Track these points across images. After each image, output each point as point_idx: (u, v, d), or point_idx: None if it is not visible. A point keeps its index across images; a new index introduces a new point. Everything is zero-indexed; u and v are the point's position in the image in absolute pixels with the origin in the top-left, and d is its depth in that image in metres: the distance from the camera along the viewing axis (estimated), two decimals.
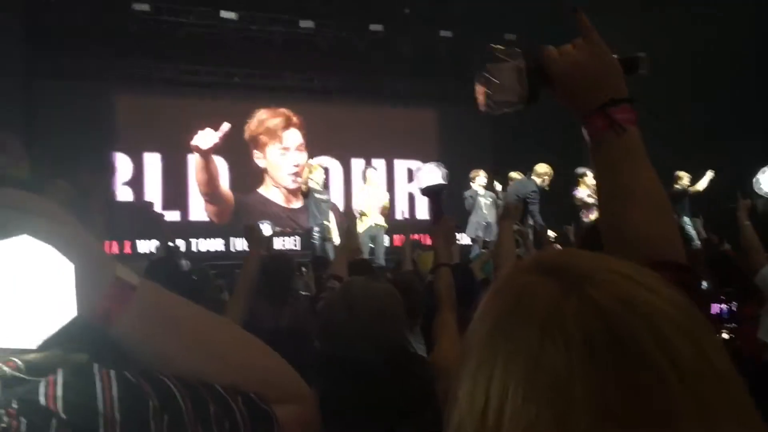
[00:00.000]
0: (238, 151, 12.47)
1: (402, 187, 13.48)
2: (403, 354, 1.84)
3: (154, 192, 12.08)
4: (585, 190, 9.56)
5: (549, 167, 9.16)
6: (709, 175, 9.97)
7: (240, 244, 11.59)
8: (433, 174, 3.57)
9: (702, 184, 10.01)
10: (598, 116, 1.12)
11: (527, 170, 9.87)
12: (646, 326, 0.57)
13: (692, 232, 9.50)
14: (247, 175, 12.64)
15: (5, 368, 0.81)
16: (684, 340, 0.57)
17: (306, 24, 12.28)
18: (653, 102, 9.18)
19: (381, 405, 1.72)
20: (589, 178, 9.28)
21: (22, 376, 0.82)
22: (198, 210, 12.38)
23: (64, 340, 0.82)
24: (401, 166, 13.59)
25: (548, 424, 0.55)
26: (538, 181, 9.06)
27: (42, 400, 0.82)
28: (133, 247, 10.92)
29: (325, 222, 9.22)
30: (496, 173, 10.29)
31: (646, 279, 0.61)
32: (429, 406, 1.73)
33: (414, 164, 12.95)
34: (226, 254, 11.49)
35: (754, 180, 4.52)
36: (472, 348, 0.64)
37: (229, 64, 12.32)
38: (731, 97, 9.78)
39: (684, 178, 9.97)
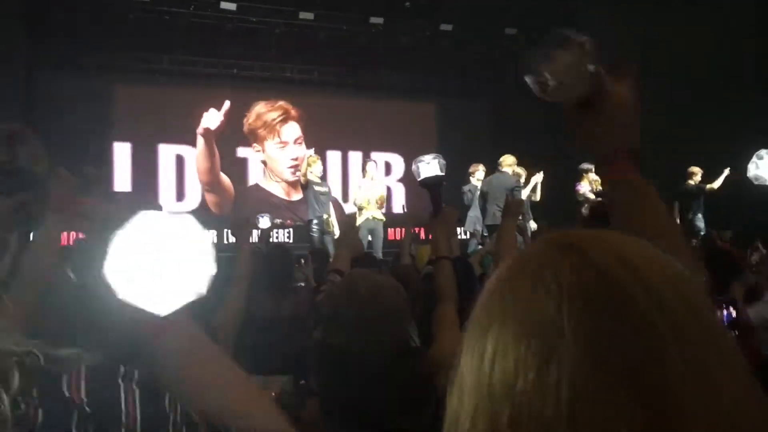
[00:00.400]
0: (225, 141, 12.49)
1: (399, 180, 13.48)
2: (405, 349, 1.84)
3: (146, 183, 12.11)
4: (587, 185, 9.58)
5: (514, 158, 9.16)
6: (726, 173, 9.80)
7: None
8: (431, 166, 3.55)
9: (717, 183, 9.90)
10: (626, 160, 1.13)
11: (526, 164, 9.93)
12: (642, 284, 0.58)
13: (701, 226, 9.57)
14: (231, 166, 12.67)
15: (26, 359, 0.84)
16: (679, 300, 0.58)
17: (305, 16, 12.25)
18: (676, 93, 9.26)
19: (382, 400, 1.71)
20: (593, 174, 9.29)
21: (44, 366, 0.85)
22: (194, 200, 12.41)
23: (81, 340, 0.86)
24: (398, 159, 13.59)
25: (535, 357, 0.57)
26: (510, 172, 9.06)
27: (66, 391, 0.85)
28: None
29: (324, 215, 9.21)
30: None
31: (645, 246, 0.63)
32: (429, 402, 1.74)
33: (413, 157, 12.95)
34: (219, 246, 11.47)
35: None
36: (474, 313, 0.66)
37: (228, 56, 12.31)
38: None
39: (697, 173, 9.91)
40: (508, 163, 9.08)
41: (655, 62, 9.27)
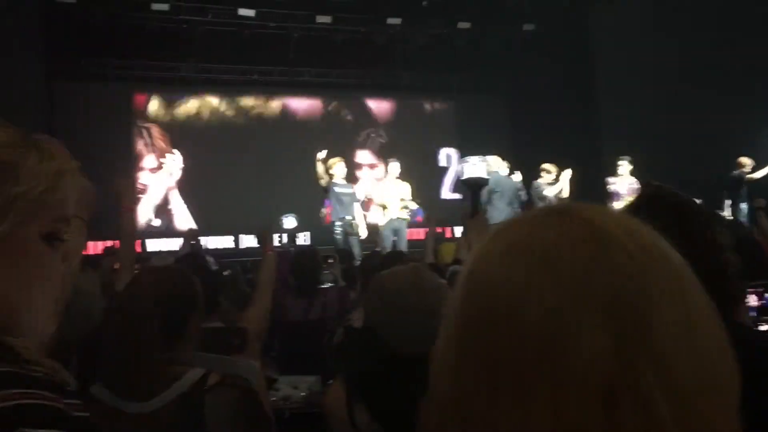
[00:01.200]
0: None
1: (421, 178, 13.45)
2: None
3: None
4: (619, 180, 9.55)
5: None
6: None
7: (247, 240, 11.80)
8: (477, 167, 3.60)
9: (761, 173, 9.70)
10: None
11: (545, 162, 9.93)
12: (633, 239, 0.61)
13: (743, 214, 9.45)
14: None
15: None
16: (665, 262, 0.61)
17: (323, 19, 12.28)
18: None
19: (420, 395, 1.72)
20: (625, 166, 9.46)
21: None
22: None
23: None
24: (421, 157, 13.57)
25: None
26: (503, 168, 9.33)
27: None
28: (143, 244, 11.23)
29: (348, 217, 9.17)
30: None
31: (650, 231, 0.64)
32: None
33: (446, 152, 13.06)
34: (235, 251, 11.60)
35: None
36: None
37: (246, 62, 12.37)
38: None
39: (747, 165, 9.71)
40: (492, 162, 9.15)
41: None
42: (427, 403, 0.66)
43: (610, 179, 9.68)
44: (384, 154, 12.82)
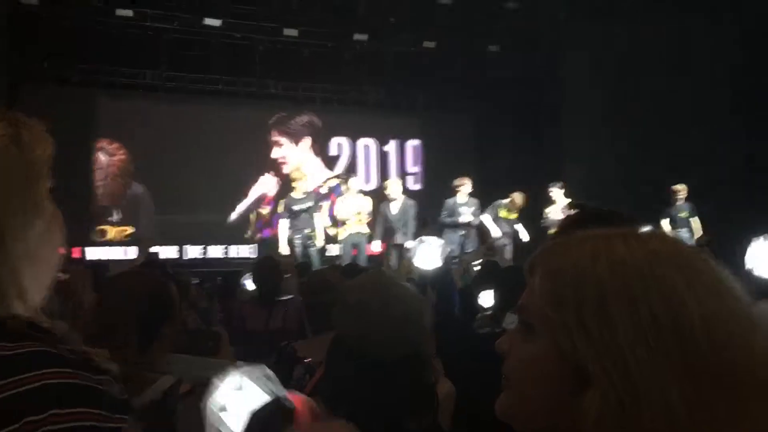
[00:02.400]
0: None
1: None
2: (418, 353, 1.87)
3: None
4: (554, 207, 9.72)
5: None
6: None
7: (192, 251, 11.89)
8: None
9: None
10: None
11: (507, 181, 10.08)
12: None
13: None
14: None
15: None
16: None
17: (290, 32, 12.32)
18: None
19: (391, 397, 1.77)
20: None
21: None
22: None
23: None
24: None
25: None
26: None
27: None
28: (82, 252, 11.10)
29: (307, 230, 9.29)
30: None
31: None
32: (432, 407, 1.83)
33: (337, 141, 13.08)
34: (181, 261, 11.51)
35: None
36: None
37: (212, 71, 12.31)
38: None
39: (679, 191, 9.80)
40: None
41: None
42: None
43: (546, 210, 9.81)
44: (301, 131, 13.12)
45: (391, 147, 13.82)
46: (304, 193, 9.50)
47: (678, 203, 9.76)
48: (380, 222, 9.42)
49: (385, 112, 13.51)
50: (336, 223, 9.75)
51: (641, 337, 0.64)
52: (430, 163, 13.40)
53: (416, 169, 13.95)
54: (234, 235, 12.31)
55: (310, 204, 9.46)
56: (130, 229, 11.97)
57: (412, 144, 13.99)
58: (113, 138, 11.94)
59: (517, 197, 9.89)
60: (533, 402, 0.71)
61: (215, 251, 12.02)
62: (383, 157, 13.76)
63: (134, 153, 11.99)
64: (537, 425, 0.71)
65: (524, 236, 9.82)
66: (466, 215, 9.54)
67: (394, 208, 9.45)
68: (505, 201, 9.90)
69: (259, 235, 12.62)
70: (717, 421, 0.61)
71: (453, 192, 9.77)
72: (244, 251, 12.13)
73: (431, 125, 13.75)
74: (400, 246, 9.22)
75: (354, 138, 13.51)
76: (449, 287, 4.65)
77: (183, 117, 12.22)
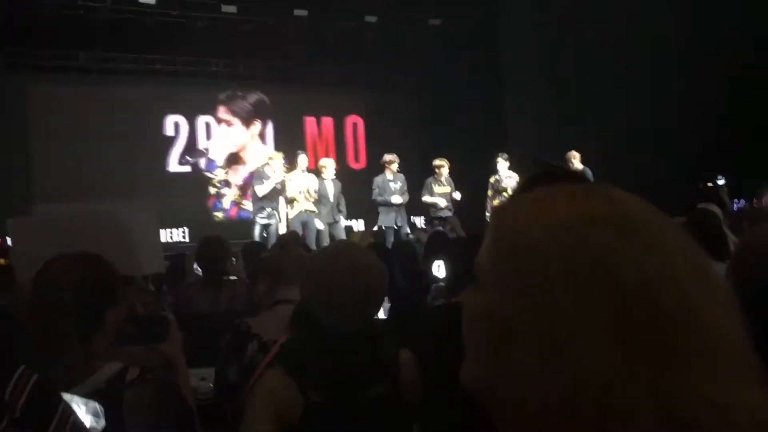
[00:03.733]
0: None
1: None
2: (377, 326, 1.96)
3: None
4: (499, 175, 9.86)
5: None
6: None
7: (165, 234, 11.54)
8: None
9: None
10: None
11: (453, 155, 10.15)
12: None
13: None
14: None
15: None
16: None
17: (228, 9, 12.04)
18: None
19: (353, 365, 1.82)
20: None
21: None
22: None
23: None
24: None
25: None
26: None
27: None
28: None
29: (269, 209, 9.37)
30: None
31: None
32: (391, 376, 1.88)
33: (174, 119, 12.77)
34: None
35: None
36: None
37: (149, 51, 11.97)
38: None
39: (575, 158, 9.80)
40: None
41: None
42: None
43: (493, 177, 10.08)
44: (252, 114, 12.97)
45: (331, 124, 13.71)
46: (274, 172, 9.42)
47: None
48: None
49: (328, 90, 13.36)
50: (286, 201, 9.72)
51: (570, 295, 0.62)
52: (374, 141, 13.31)
53: (358, 147, 13.90)
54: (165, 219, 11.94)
55: (277, 186, 9.43)
56: None
57: (353, 121, 13.89)
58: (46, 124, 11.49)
59: (436, 162, 9.90)
60: (481, 365, 0.70)
61: None
62: (326, 136, 13.65)
63: (68, 139, 11.56)
64: (491, 393, 0.69)
65: (457, 196, 9.88)
66: (395, 194, 9.63)
67: (330, 186, 9.67)
68: (431, 177, 9.96)
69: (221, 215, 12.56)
70: (645, 383, 0.58)
71: (382, 168, 9.85)
72: (177, 235, 11.89)
73: (374, 102, 13.68)
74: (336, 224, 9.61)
75: (298, 115, 13.34)
76: (412, 259, 4.65)
77: (120, 99, 11.87)
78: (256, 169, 9.81)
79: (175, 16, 11.87)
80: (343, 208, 9.84)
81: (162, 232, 11.27)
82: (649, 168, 9.65)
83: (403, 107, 13.61)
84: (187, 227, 11.87)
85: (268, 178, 9.36)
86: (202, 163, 12.73)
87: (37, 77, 11.48)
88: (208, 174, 12.69)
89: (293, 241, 4.64)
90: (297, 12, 12.41)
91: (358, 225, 11.87)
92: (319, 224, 9.51)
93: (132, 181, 11.57)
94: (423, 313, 3.26)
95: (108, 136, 11.61)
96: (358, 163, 13.79)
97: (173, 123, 12.52)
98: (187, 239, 11.62)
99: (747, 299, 0.66)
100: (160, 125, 12.41)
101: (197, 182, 12.60)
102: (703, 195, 7.49)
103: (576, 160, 9.55)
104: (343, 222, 10.03)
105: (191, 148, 12.63)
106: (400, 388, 1.90)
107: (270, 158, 9.73)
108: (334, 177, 9.83)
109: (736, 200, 8.93)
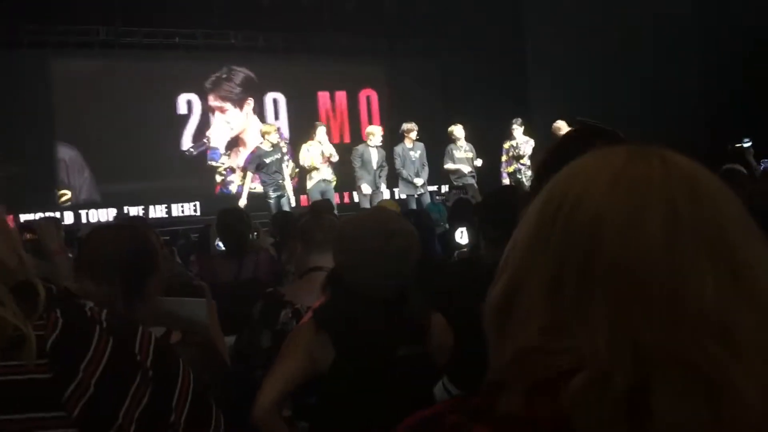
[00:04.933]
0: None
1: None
2: (409, 289, 1.97)
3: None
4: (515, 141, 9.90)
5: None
6: None
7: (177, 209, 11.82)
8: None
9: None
10: None
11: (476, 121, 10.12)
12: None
13: None
14: None
15: None
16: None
17: None
18: None
19: (386, 330, 1.87)
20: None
21: None
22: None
23: None
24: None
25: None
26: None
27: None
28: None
29: (279, 181, 9.37)
30: None
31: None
32: (420, 336, 1.92)
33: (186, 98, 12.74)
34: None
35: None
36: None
37: (169, 25, 11.98)
38: None
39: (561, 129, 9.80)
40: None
41: None
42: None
43: (506, 143, 10.13)
44: (243, 94, 12.89)
45: (345, 98, 13.68)
46: (272, 145, 9.43)
47: None
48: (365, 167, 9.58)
49: (345, 61, 13.31)
50: (305, 170, 9.73)
51: (533, 234, 0.67)
52: (396, 109, 13.29)
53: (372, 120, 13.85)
54: (177, 194, 12.07)
55: (278, 156, 9.43)
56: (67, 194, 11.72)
57: (366, 95, 13.87)
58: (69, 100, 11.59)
59: (450, 128, 9.96)
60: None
61: (158, 211, 11.86)
62: (340, 109, 13.67)
63: (92, 114, 11.64)
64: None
65: (478, 163, 9.90)
66: (414, 163, 9.67)
67: (374, 154, 9.63)
68: (451, 144, 9.96)
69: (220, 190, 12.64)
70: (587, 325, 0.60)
71: (401, 138, 9.84)
72: (189, 209, 12.04)
73: (393, 72, 13.63)
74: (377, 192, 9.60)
75: (312, 89, 13.34)
76: (429, 229, 4.68)
77: (141, 74, 11.94)
78: (256, 147, 9.72)
79: None
80: (383, 176, 9.77)
81: (174, 206, 11.80)
82: (675, 128, 9.57)
83: (421, 76, 13.53)
84: (198, 201, 12.03)
85: (268, 152, 9.34)
86: (200, 151, 12.71)
87: (60, 53, 11.55)
88: (213, 163, 12.70)
89: (326, 208, 4.68)
90: None
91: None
92: (366, 189, 9.49)
93: (148, 158, 11.75)
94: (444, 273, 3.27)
95: (129, 110, 11.68)
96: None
97: (186, 101, 12.52)
98: (198, 213, 11.85)
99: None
100: (173, 103, 12.44)
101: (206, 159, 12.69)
102: (730, 156, 7.46)
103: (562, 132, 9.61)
104: (384, 190, 10.02)
105: (202, 130, 12.64)
106: (430, 350, 1.94)
107: (264, 132, 9.64)
108: (380, 145, 9.75)
109: (764, 160, 8.88)
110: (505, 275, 0.68)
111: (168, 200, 11.95)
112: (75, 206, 11.43)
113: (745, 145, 8.83)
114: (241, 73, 12.95)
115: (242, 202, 9.11)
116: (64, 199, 11.59)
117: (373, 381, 1.84)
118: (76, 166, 11.73)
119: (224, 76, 12.85)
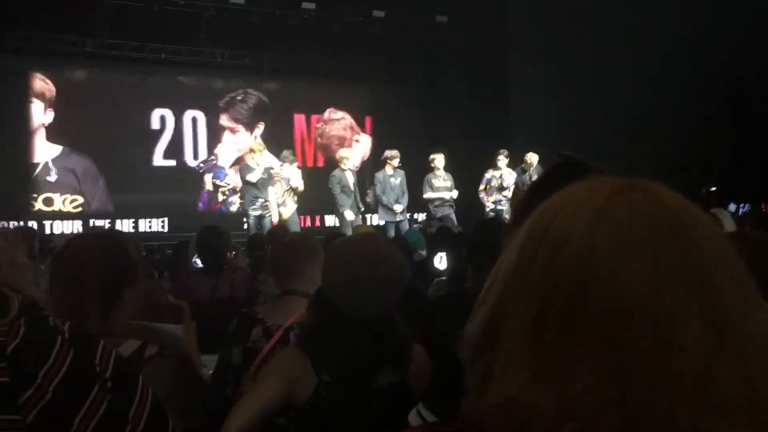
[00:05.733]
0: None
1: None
2: (393, 315, 1.98)
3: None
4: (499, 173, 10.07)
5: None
6: None
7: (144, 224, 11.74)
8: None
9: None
10: None
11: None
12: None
13: None
14: None
15: None
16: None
17: (237, 0, 12.05)
18: None
19: (368, 356, 1.88)
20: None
21: None
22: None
23: None
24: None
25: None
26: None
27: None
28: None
29: (261, 201, 9.32)
30: None
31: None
32: (404, 365, 1.93)
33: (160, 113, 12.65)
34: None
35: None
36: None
37: (155, 39, 11.95)
38: None
39: (531, 163, 10.11)
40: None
41: None
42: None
43: (489, 173, 10.22)
44: (254, 118, 12.86)
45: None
46: (257, 164, 9.41)
47: None
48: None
49: (333, 82, 13.37)
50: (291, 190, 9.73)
51: (513, 270, 0.66)
52: (379, 135, 13.33)
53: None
54: (139, 209, 11.92)
55: (264, 176, 9.40)
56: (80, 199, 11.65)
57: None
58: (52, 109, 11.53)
59: (435, 158, 9.99)
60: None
61: (125, 226, 11.66)
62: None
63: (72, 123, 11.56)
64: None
65: (454, 194, 9.96)
66: (395, 190, 9.69)
67: (350, 177, 9.64)
68: (430, 174, 10.03)
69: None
70: (572, 360, 0.59)
71: (383, 164, 9.87)
72: (156, 225, 11.92)
73: (381, 96, 13.71)
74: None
75: (308, 113, 13.36)
76: (407, 254, 4.69)
77: (126, 87, 11.91)
78: (243, 163, 9.72)
79: (183, 6, 11.85)
80: (360, 199, 9.79)
81: (141, 221, 11.67)
82: (650, 167, 9.65)
83: (405, 102, 13.61)
84: (167, 218, 11.91)
85: (253, 169, 9.33)
86: (207, 168, 12.68)
87: (43, 62, 11.48)
88: (217, 182, 12.64)
89: (283, 232, 4.71)
90: (305, 5, 12.39)
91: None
92: (350, 215, 9.45)
93: (119, 171, 11.75)
94: (425, 305, 3.30)
95: (104, 123, 11.60)
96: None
97: (159, 116, 12.40)
98: (166, 229, 11.71)
99: None
100: (147, 118, 12.32)
101: (179, 175, 12.44)
102: (704, 199, 7.57)
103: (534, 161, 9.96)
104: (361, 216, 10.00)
105: (177, 142, 12.53)
106: (409, 379, 1.95)
107: (252, 150, 9.67)
108: (356, 168, 9.80)
109: (741, 205, 8.96)
110: (483, 309, 0.68)
111: (136, 215, 11.81)
112: (40, 216, 11.23)
113: (712, 189, 9.01)
114: (253, 96, 12.96)
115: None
116: (75, 204, 11.55)
117: (354, 410, 1.84)
118: (90, 174, 11.72)
119: (238, 97, 12.86)
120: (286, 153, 9.88)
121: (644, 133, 10.05)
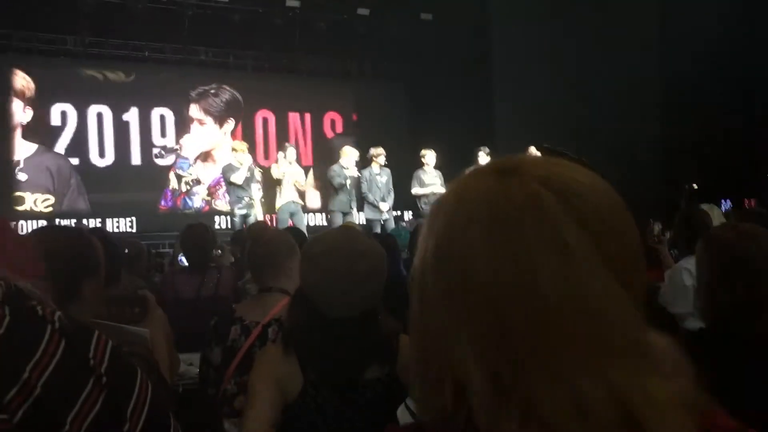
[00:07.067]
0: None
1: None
2: (376, 311, 1.95)
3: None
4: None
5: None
6: None
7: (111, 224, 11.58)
8: None
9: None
10: None
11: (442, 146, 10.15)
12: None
13: None
14: None
15: None
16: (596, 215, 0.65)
17: None
18: None
19: (352, 349, 1.86)
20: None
21: None
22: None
23: None
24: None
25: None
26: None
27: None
28: None
29: (246, 200, 9.22)
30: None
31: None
32: (389, 359, 1.92)
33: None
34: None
35: None
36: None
37: (138, 37, 11.85)
38: None
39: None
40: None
41: None
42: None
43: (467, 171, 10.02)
44: (225, 113, 12.78)
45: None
46: (240, 163, 9.31)
47: None
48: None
49: (316, 81, 13.29)
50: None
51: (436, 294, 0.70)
52: (363, 133, 13.27)
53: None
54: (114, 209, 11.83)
55: (247, 174, 9.30)
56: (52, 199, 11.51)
57: (330, 118, 13.81)
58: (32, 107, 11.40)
59: (426, 153, 9.91)
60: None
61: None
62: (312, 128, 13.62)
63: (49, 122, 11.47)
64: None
65: (442, 190, 9.85)
66: (381, 188, 9.58)
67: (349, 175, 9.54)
68: (419, 169, 9.95)
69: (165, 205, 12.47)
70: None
71: (369, 161, 9.78)
72: (124, 225, 11.76)
73: (365, 94, 13.63)
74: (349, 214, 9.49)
75: (283, 109, 13.27)
76: (393, 251, 4.67)
77: (108, 85, 11.79)
78: (227, 163, 9.58)
79: (166, 3, 11.75)
80: (354, 198, 9.67)
81: (108, 221, 11.50)
82: (632, 167, 9.72)
83: (391, 100, 13.58)
84: (135, 218, 11.77)
85: (237, 169, 9.22)
86: (171, 159, 12.53)
87: (23, 59, 11.36)
88: (179, 172, 12.50)
89: (261, 229, 4.71)
90: (289, 3, 12.32)
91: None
92: (338, 217, 9.36)
93: (86, 171, 11.70)
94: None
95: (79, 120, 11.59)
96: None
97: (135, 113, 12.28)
98: (134, 229, 11.57)
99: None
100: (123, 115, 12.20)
101: (147, 174, 12.33)
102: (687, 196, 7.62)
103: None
104: (356, 213, 9.86)
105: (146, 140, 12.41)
106: (397, 372, 1.92)
107: (234, 149, 9.60)
108: (355, 166, 9.65)
109: (723, 201, 9.01)
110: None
111: (103, 214, 11.66)
112: (11, 217, 11.07)
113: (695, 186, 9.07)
114: (228, 92, 12.85)
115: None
116: (46, 204, 11.42)
117: (342, 406, 1.83)
118: (64, 173, 11.62)
119: (212, 90, 12.74)
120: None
121: (626, 131, 10.08)
